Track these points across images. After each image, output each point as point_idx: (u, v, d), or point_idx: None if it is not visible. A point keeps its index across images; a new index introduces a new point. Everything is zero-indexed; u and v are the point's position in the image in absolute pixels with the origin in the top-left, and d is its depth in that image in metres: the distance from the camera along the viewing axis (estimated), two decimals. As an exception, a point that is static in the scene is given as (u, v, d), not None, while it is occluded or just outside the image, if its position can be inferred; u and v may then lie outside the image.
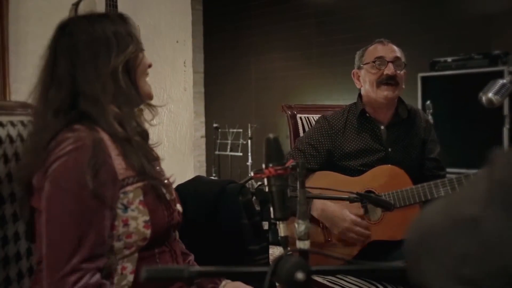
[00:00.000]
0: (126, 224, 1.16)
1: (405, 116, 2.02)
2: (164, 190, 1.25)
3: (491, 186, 0.50)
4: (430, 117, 3.64)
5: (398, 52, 1.99)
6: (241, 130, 5.59)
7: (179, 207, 1.36)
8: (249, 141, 5.48)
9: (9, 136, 1.32)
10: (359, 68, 2.04)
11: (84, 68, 1.19)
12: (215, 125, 5.82)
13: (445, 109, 3.87)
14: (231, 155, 5.72)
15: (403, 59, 1.99)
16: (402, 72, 1.97)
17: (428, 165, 2.05)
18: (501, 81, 1.75)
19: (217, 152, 5.90)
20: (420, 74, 4.17)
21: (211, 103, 6.49)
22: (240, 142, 5.58)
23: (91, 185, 1.08)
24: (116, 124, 1.18)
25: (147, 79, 1.33)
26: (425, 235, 0.56)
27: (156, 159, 1.32)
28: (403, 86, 2.00)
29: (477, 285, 0.48)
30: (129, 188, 1.17)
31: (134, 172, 1.18)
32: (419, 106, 4.08)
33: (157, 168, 1.34)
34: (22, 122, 1.39)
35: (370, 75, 1.97)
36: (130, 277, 1.18)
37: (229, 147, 5.70)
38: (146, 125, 1.36)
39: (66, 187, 1.09)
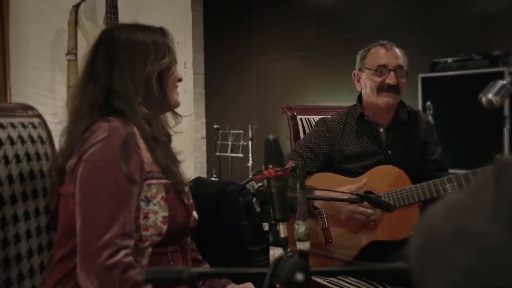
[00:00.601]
0: (146, 216, 1.22)
1: (406, 119, 2.02)
2: (185, 191, 1.34)
3: (498, 199, 0.49)
4: (430, 118, 3.64)
5: (400, 58, 1.97)
6: (241, 131, 5.59)
7: (195, 214, 1.41)
8: (250, 142, 5.48)
9: (9, 138, 1.32)
10: (360, 70, 2.03)
11: (121, 68, 1.28)
12: (215, 126, 5.83)
13: (446, 110, 3.87)
14: (231, 156, 5.73)
15: (405, 66, 1.97)
16: (403, 80, 1.96)
17: (429, 167, 2.04)
18: (501, 82, 1.75)
19: (217, 153, 5.90)
20: (421, 75, 4.16)
21: (212, 104, 6.49)
22: (241, 143, 5.58)
23: (124, 167, 1.16)
24: (144, 122, 1.27)
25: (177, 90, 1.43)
26: (428, 242, 0.55)
27: (178, 162, 1.39)
28: (404, 92, 2.00)
29: None
30: (153, 181, 1.24)
31: (159, 169, 1.27)
32: (420, 107, 4.07)
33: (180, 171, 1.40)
34: (22, 124, 1.39)
35: (371, 82, 1.96)
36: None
37: (229, 148, 5.70)
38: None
39: (101, 167, 1.17)
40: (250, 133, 5.47)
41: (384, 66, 1.93)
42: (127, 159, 1.17)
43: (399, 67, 1.94)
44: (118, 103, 1.26)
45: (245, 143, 5.55)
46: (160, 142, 1.30)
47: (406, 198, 1.83)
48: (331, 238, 1.93)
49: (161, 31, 1.39)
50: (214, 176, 5.98)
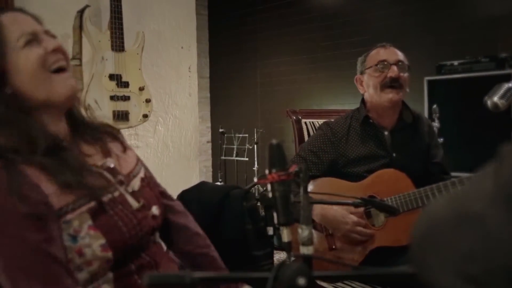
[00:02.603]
0: (81, 254, 1.03)
1: (410, 121, 2.01)
2: (128, 202, 1.13)
3: (498, 183, 0.50)
4: (436, 121, 3.62)
5: (400, 55, 1.99)
6: (247, 135, 5.59)
7: (154, 209, 1.24)
8: (255, 146, 5.48)
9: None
10: (362, 73, 2.04)
11: None
12: (221, 130, 5.83)
13: (452, 112, 3.85)
14: (237, 160, 5.73)
15: (406, 62, 1.98)
16: (405, 74, 1.96)
17: (432, 169, 2.04)
18: (506, 85, 1.74)
19: (223, 157, 5.90)
20: (426, 78, 4.15)
21: (217, 108, 6.50)
22: (246, 147, 5.58)
23: (24, 210, 0.95)
24: (21, 141, 1.03)
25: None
26: (430, 230, 0.55)
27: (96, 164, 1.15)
28: (407, 90, 1.99)
29: (481, 283, 0.48)
30: (69, 216, 1.03)
31: (74, 196, 1.04)
32: (426, 110, 4.06)
33: (109, 165, 1.17)
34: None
35: (374, 79, 1.97)
36: None
37: (235, 152, 5.70)
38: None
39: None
40: (255, 136, 5.47)
41: (384, 60, 1.95)
42: (19, 196, 0.95)
43: (400, 61, 1.95)
44: None
45: (250, 147, 5.55)
46: (54, 153, 1.04)
47: (409, 202, 1.82)
48: (335, 245, 1.92)
49: None
50: (220, 180, 5.98)
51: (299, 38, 5.70)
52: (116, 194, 1.14)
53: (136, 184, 1.23)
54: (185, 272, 0.67)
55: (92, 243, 1.04)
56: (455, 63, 4.04)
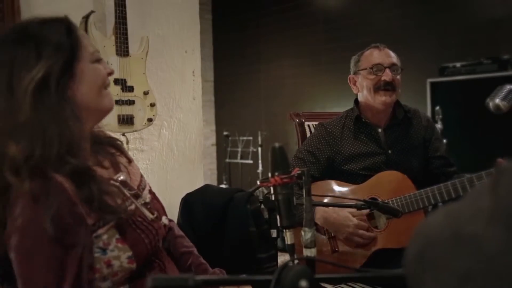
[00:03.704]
0: (109, 265, 1.08)
1: (402, 117, 2.03)
2: (144, 214, 1.18)
3: (495, 203, 0.50)
4: (439, 123, 3.63)
5: (394, 57, 2.01)
6: (251, 138, 5.61)
7: (164, 219, 1.30)
8: (259, 148, 5.49)
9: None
10: (356, 73, 2.06)
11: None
12: (225, 133, 5.85)
13: (455, 114, 3.85)
14: (241, 162, 5.74)
15: (399, 64, 2.01)
16: (399, 77, 1.99)
17: (436, 163, 2.05)
18: (508, 87, 1.75)
19: (227, 160, 5.92)
20: (429, 80, 4.16)
21: (221, 111, 6.52)
22: (251, 149, 5.59)
23: (52, 233, 0.97)
24: (67, 158, 1.04)
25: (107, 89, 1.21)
26: (426, 249, 0.55)
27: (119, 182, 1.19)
28: (399, 90, 2.01)
29: None
30: (100, 231, 1.07)
31: (99, 215, 1.07)
32: (429, 111, 4.06)
33: (122, 178, 1.21)
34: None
35: (368, 81, 1.99)
36: None
37: (239, 154, 5.72)
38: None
39: (28, 251, 1.01)
40: (259, 139, 5.48)
41: (379, 64, 1.97)
42: (56, 225, 0.98)
43: (393, 64, 1.98)
44: (15, 143, 1.00)
45: (254, 150, 5.57)
46: (88, 174, 1.07)
47: (411, 204, 1.83)
48: (337, 248, 1.93)
49: (59, 23, 1.12)
50: (224, 182, 6.00)
51: (302, 41, 5.71)
52: (132, 207, 1.17)
53: (146, 196, 1.27)
54: (188, 275, 0.68)
55: (121, 255, 1.09)
56: (458, 65, 4.05)
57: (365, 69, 2.00)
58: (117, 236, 1.09)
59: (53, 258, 1.00)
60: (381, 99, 1.95)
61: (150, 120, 2.68)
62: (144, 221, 1.17)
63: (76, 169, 1.04)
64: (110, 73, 1.18)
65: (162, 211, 1.32)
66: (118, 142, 1.33)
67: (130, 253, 1.10)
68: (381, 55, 2.00)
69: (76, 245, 1.02)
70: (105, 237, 1.07)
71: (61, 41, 1.08)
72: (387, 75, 1.94)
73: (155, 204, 1.30)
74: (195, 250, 1.43)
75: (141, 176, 1.34)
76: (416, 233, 0.58)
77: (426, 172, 2.03)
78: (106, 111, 1.18)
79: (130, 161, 1.33)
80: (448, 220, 0.55)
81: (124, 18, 2.57)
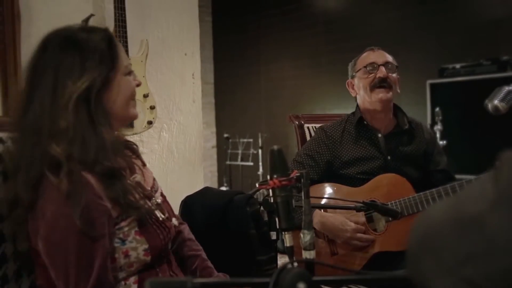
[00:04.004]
0: (126, 255, 1.17)
1: (406, 127, 2.03)
2: (157, 214, 1.25)
3: (498, 187, 0.50)
4: (439, 124, 3.63)
5: (389, 57, 2.03)
6: (251, 140, 5.61)
7: (174, 221, 1.37)
8: (260, 150, 5.50)
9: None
10: (353, 77, 2.08)
11: (45, 99, 1.14)
12: (225, 135, 5.86)
13: (454, 115, 3.86)
14: (242, 165, 5.75)
15: (394, 63, 2.02)
16: (394, 75, 1.99)
17: (437, 177, 2.05)
18: (507, 88, 1.75)
19: (228, 162, 5.92)
20: (429, 81, 4.16)
21: (222, 113, 6.52)
22: (251, 151, 5.60)
23: (81, 226, 1.05)
24: (93, 156, 1.12)
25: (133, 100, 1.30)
26: (427, 234, 0.55)
27: (141, 184, 1.28)
28: (398, 91, 2.02)
29: (480, 287, 0.48)
30: (123, 223, 1.16)
31: (123, 210, 1.15)
32: (428, 113, 4.07)
33: (138, 180, 1.28)
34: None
35: (363, 80, 2.00)
36: (134, 287, 1.20)
37: (239, 157, 5.72)
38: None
39: (58, 239, 1.08)
40: (260, 141, 5.48)
41: (373, 63, 1.99)
42: (85, 219, 1.05)
43: (388, 62, 2.00)
44: (56, 145, 1.08)
45: (255, 152, 5.57)
46: (117, 174, 1.16)
47: (410, 207, 1.83)
48: (336, 251, 1.93)
49: (102, 33, 1.19)
50: (225, 184, 6.00)
51: (302, 43, 5.72)
52: (146, 206, 1.24)
53: (158, 197, 1.34)
54: (187, 278, 0.68)
55: (138, 247, 1.18)
56: (457, 66, 4.05)
57: (360, 69, 2.02)
58: (136, 228, 1.18)
59: (82, 248, 1.07)
60: (377, 97, 1.96)
61: (150, 122, 2.68)
62: (157, 220, 1.25)
63: (107, 170, 1.13)
64: (138, 85, 1.28)
65: (172, 213, 1.39)
66: (134, 146, 1.41)
67: (146, 246, 1.18)
68: (375, 55, 2.03)
69: (103, 236, 1.09)
70: (126, 229, 1.16)
71: (104, 53, 1.16)
72: (381, 72, 1.96)
73: (166, 206, 1.37)
74: (203, 253, 1.48)
75: (154, 179, 1.40)
76: (417, 221, 0.58)
77: (428, 185, 2.03)
78: (131, 119, 1.29)
79: (144, 164, 1.40)
80: (450, 206, 0.56)
81: (124, 21, 2.58)
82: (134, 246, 1.17)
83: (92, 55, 1.14)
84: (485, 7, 4.25)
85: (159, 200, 1.33)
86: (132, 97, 1.25)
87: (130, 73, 1.25)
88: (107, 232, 1.11)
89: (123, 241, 1.16)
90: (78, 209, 1.05)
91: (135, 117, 1.29)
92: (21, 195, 1.09)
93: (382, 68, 1.97)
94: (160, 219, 1.26)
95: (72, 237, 1.06)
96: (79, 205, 1.05)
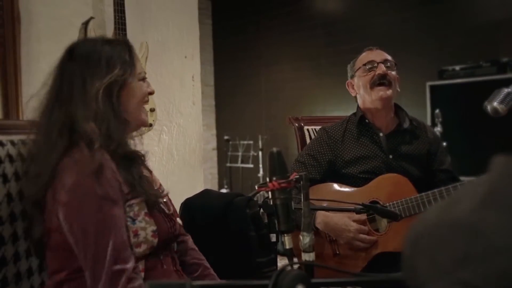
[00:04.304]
0: (136, 234, 1.25)
1: (407, 126, 2.03)
2: (162, 205, 1.36)
3: (487, 188, 0.51)
4: (439, 126, 3.63)
5: (387, 55, 2.04)
6: (251, 142, 5.62)
7: (179, 220, 1.47)
8: (260, 152, 5.50)
9: (20, 154, 1.35)
10: (352, 77, 2.09)
11: (76, 89, 1.29)
12: (226, 137, 5.86)
13: (454, 117, 3.86)
14: (242, 167, 5.75)
15: (393, 61, 2.04)
16: (393, 73, 1.99)
17: (441, 176, 2.04)
18: (506, 90, 1.75)
19: (228, 164, 5.93)
20: (429, 83, 4.17)
21: (222, 115, 6.53)
22: (251, 153, 5.60)
23: (99, 190, 1.16)
24: (111, 143, 1.25)
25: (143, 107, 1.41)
26: (421, 236, 0.56)
27: (149, 176, 1.41)
28: (398, 89, 2.02)
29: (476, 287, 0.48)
30: (133, 201, 1.27)
31: (131, 188, 1.27)
32: (428, 114, 4.07)
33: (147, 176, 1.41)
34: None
35: (363, 79, 2.01)
36: (141, 275, 1.26)
37: (240, 159, 5.72)
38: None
39: (79, 202, 1.17)
40: (260, 143, 5.49)
41: (372, 61, 2.01)
42: (101, 183, 1.17)
43: (386, 60, 2.01)
44: (81, 127, 1.23)
45: (255, 154, 5.58)
46: (135, 158, 1.32)
47: (412, 208, 1.83)
48: (338, 251, 1.93)
49: (123, 44, 1.37)
50: (225, 187, 6.00)
51: (302, 45, 5.73)
52: (155, 192, 1.37)
53: (165, 198, 1.44)
54: (186, 281, 0.68)
55: (147, 227, 1.26)
56: (457, 68, 4.06)
57: (360, 68, 2.03)
58: (146, 210, 1.28)
59: (102, 211, 1.16)
60: (377, 94, 1.96)
61: (150, 125, 2.69)
62: (164, 211, 1.36)
63: (128, 153, 1.31)
64: (151, 93, 1.41)
65: (176, 214, 1.47)
66: (142, 156, 1.48)
67: (154, 228, 1.27)
68: (374, 54, 2.04)
69: (119, 202, 1.20)
70: (136, 208, 1.26)
71: (124, 60, 1.33)
72: (380, 69, 1.97)
73: (171, 207, 1.46)
74: (205, 262, 1.53)
75: (160, 184, 1.51)
76: (413, 224, 0.59)
77: (431, 185, 2.03)
78: (142, 124, 1.40)
79: (150, 171, 1.49)
80: (444, 209, 0.57)
81: (124, 24, 2.58)
82: (143, 226, 1.26)
83: (116, 62, 1.31)
84: (484, 9, 4.26)
85: (165, 200, 1.43)
86: (143, 101, 1.38)
87: (144, 79, 1.40)
88: (122, 201, 1.21)
89: (133, 220, 1.25)
90: (97, 178, 1.16)
91: (145, 122, 1.40)
92: (42, 173, 1.21)
93: (381, 65, 1.98)
94: (167, 211, 1.37)
95: (92, 201, 1.16)
96: (97, 175, 1.17)
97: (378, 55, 2.03)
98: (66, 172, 1.19)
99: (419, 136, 2.06)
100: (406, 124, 2.03)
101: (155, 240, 1.27)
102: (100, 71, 1.28)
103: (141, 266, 1.27)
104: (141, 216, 1.26)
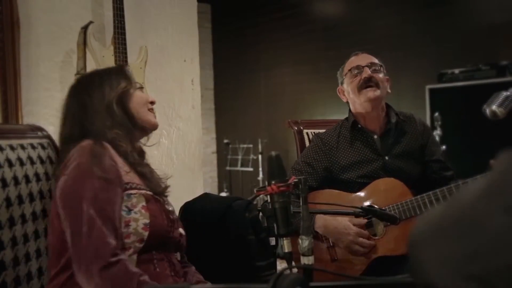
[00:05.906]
0: (127, 225, 1.29)
1: (394, 120, 2.04)
2: (166, 206, 1.42)
3: (490, 184, 0.51)
4: (438, 129, 3.64)
5: (372, 58, 2.06)
6: (251, 145, 5.62)
7: (181, 231, 1.47)
8: (260, 156, 5.50)
9: (19, 159, 1.35)
10: (342, 83, 2.12)
11: (86, 104, 1.47)
12: (225, 141, 5.87)
13: (454, 120, 3.86)
14: (242, 170, 5.75)
15: (379, 64, 2.05)
16: (380, 75, 2.01)
17: (433, 167, 2.05)
18: (505, 93, 1.75)
19: (228, 168, 5.93)
20: (428, 86, 4.17)
21: (222, 119, 6.54)
22: (251, 157, 5.60)
23: (97, 171, 1.27)
24: (118, 141, 1.40)
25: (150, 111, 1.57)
26: (428, 233, 0.56)
27: (154, 175, 1.50)
28: (389, 90, 2.04)
29: (487, 283, 0.48)
30: (132, 191, 1.34)
31: (139, 181, 1.38)
32: (428, 118, 4.07)
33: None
34: (32, 145, 1.43)
35: (351, 84, 2.04)
36: (133, 258, 1.29)
37: (239, 162, 5.73)
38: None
39: (76, 178, 1.28)
40: (260, 147, 5.49)
41: (357, 66, 2.04)
42: (99, 164, 1.28)
43: (372, 63, 2.03)
44: (91, 128, 1.41)
45: (255, 157, 5.58)
46: (135, 157, 1.44)
47: (408, 211, 1.83)
48: (337, 256, 1.93)
49: (117, 67, 1.65)
50: (225, 190, 6.00)
51: (302, 49, 5.74)
52: (163, 194, 1.47)
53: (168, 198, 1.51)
54: (183, 284, 0.68)
55: (140, 219, 1.30)
56: (456, 71, 4.06)
57: (347, 74, 2.06)
58: (144, 203, 1.32)
59: (99, 189, 1.25)
60: (366, 96, 1.98)
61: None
62: (164, 207, 1.42)
63: (138, 149, 1.49)
64: (152, 102, 1.56)
65: (179, 223, 1.49)
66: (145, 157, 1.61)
67: (147, 221, 1.30)
68: (359, 58, 2.07)
69: (116, 186, 1.29)
70: (134, 199, 1.32)
71: (122, 76, 1.53)
72: (365, 72, 2.00)
73: (174, 212, 1.51)
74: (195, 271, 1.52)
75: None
76: (418, 221, 0.59)
77: (423, 177, 2.04)
78: (152, 126, 1.54)
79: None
80: (449, 205, 0.57)
81: (123, 28, 2.59)
82: (137, 218, 1.30)
83: (119, 83, 1.50)
84: (484, 13, 4.27)
85: (168, 200, 1.50)
86: (146, 104, 1.54)
87: (140, 88, 1.57)
88: (119, 187, 1.30)
89: (129, 210, 1.30)
90: (96, 163, 1.28)
91: (154, 124, 1.55)
92: (61, 155, 1.40)
93: (367, 69, 2.00)
94: (170, 210, 1.43)
95: (90, 180, 1.26)
96: (97, 160, 1.29)
97: (363, 59, 2.05)
98: (74, 157, 1.31)
99: (408, 129, 2.06)
100: (394, 119, 2.04)
101: (145, 233, 1.29)
102: (105, 89, 1.47)
103: (133, 263, 1.28)
104: (138, 207, 1.31)
